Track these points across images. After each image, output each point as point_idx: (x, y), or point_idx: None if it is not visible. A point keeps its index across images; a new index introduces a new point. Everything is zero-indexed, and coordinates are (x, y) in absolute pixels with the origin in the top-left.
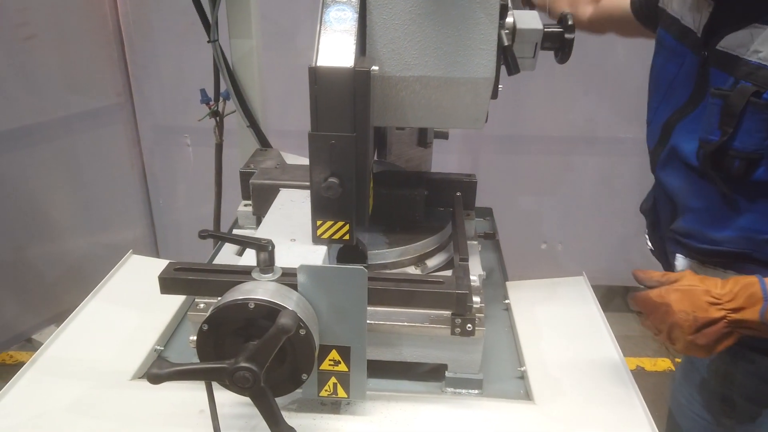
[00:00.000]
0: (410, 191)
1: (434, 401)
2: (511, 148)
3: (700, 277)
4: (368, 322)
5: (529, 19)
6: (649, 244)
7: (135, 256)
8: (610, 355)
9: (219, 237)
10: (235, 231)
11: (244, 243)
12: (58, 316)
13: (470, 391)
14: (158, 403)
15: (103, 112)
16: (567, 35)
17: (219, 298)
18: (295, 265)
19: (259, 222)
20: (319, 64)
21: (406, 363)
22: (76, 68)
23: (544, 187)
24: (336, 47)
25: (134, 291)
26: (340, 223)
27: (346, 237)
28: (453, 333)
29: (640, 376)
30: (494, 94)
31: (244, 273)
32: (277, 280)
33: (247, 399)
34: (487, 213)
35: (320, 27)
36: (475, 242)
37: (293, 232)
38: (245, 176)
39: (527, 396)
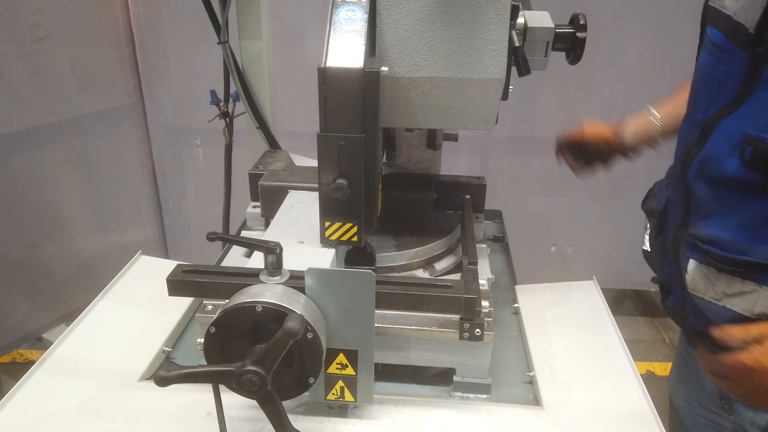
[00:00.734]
0: (419, 194)
1: (442, 406)
2: (521, 150)
3: None
4: (376, 325)
5: (540, 18)
6: (647, 245)
7: (144, 256)
8: (619, 360)
9: (227, 239)
10: (244, 232)
11: (252, 245)
12: (69, 315)
13: (478, 395)
14: (166, 404)
15: (114, 112)
16: (579, 35)
17: (227, 301)
18: (303, 268)
19: (267, 223)
20: (328, 64)
21: (414, 367)
22: (87, 69)
23: (553, 190)
24: (345, 48)
25: (143, 292)
26: (349, 225)
27: (355, 238)
28: (461, 338)
29: (650, 380)
30: (504, 95)
31: (252, 276)
32: (284, 283)
33: (255, 402)
34: (496, 216)
35: (330, 27)
36: (484, 245)
37: (302, 234)
38: (254, 178)
39: (536, 401)
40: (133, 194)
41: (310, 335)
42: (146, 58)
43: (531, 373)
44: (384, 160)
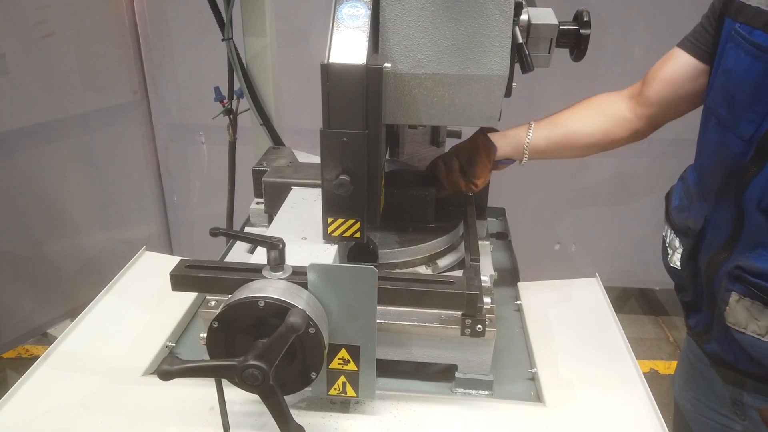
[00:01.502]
0: (420, 191)
1: (444, 402)
2: None
3: None
4: (379, 321)
5: (544, 15)
6: (677, 264)
7: (148, 252)
8: (622, 358)
9: (230, 235)
10: (247, 229)
11: (254, 241)
12: (74, 310)
13: (480, 392)
14: (169, 399)
15: (120, 109)
16: (582, 32)
17: (229, 296)
18: (306, 264)
19: (271, 220)
20: (331, 60)
21: (416, 363)
22: (93, 66)
23: (558, 187)
24: (348, 44)
25: (147, 287)
26: (351, 221)
27: (357, 235)
28: (463, 333)
29: (653, 379)
30: (508, 92)
31: (255, 271)
32: (287, 279)
33: (257, 397)
34: (499, 213)
35: (333, 24)
36: (487, 242)
37: (304, 230)
38: (258, 174)
39: (538, 398)
40: (137, 191)
41: (312, 330)
42: (151, 55)
43: (533, 370)
44: (387, 156)
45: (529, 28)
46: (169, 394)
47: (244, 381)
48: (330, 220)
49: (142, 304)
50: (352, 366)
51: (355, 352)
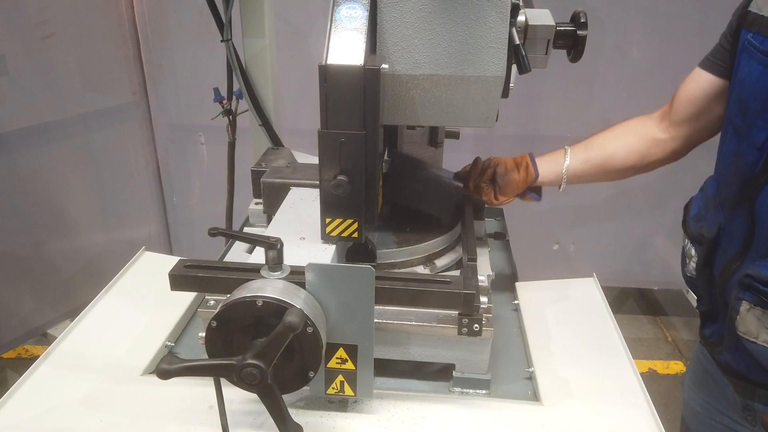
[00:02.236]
0: (448, 183)
1: (441, 401)
2: (525, 147)
3: None
4: (377, 320)
5: (541, 16)
6: (693, 272)
7: (147, 253)
8: (619, 357)
9: (228, 235)
10: (246, 229)
11: (253, 241)
12: (74, 311)
13: (478, 391)
14: (168, 398)
15: (119, 110)
16: (579, 32)
17: (228, 296)
18: (304, 264)
19: (270, 220)
20: (329, 62)
21: (414, 362)
22: (93, 67)
23: (556, 188)
24: (346, 45)
25: (146, 287)
26: (349, 221)
27: (355, 235)
28: (460, 333)
29: (652, 378)
30: (505, 93)
31: (253, 271)
32: (285, 278)
33: (255, 396)
34: (498, 213)
35: (331, 25)
36: (485, 243)
37: (303, 230)
38: (257, 175)
39: (535, 397)
40: (137, 191)
41: (309, 329)
42: (151, 56)
43: (530, 369)
44: (386, 157)
45: (526, 30)
46: (168, 394)
47: (242, 380)
48: (328, 220)
49: (141, 303)
50: (350, 365)
51: (353, 351)
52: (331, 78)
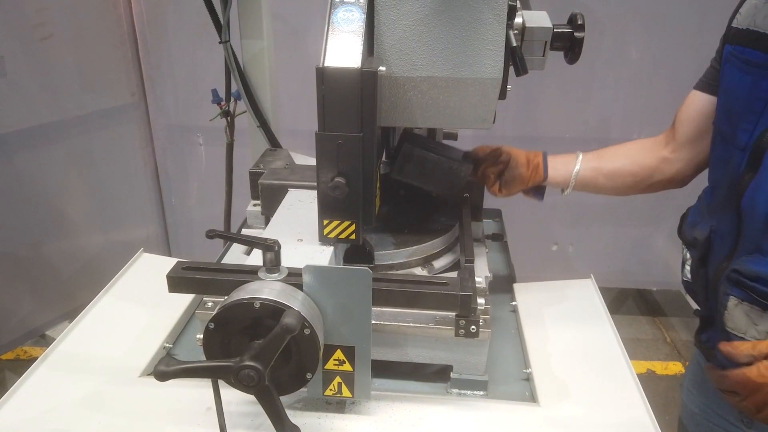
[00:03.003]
0: (458, 163)
1: (439, 402)
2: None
3: None
4: (374, 322)
5: (538, 18)
6: (688, 276)
7: (146, 254)
8: (616, 358)
9: (226, 237)
10: (244, 230)
11: (250, 243)
12: (72, 312)
13: (475, 392)
14: (166, 399)
15: (118, 111)
16: (576, 34)
17: (226, 298)
18: (302, 265)
19: (268, 221)
20: (326, 64)
21: (411, 364)
22: (91, 68)
23: (555, 188)
24: (343, 48)
25: (144, 289)
26: (347, 223)
27: (353, 236)
28: (457, 334)
29: (651, 380)
30: (502, 95)
31: (251, 273)
32: (283, 280)
33: (253, 397)
34: (496, 214)
35: (328, 27)
36: (482, 245)
37: (300, 232)
38: (254, 176)
39: (532, 398)
40: (136, 192)
41: (307, 331)
42: (149, 57)
43: (528, 370)
44: (384, 159)
45: (523, 32)
46: (166, 395)
47: (239, 382)
48: (326, 221)
49: (139, 305)
50: (347, 366)
51: (350, 352)
52: (328, 80)
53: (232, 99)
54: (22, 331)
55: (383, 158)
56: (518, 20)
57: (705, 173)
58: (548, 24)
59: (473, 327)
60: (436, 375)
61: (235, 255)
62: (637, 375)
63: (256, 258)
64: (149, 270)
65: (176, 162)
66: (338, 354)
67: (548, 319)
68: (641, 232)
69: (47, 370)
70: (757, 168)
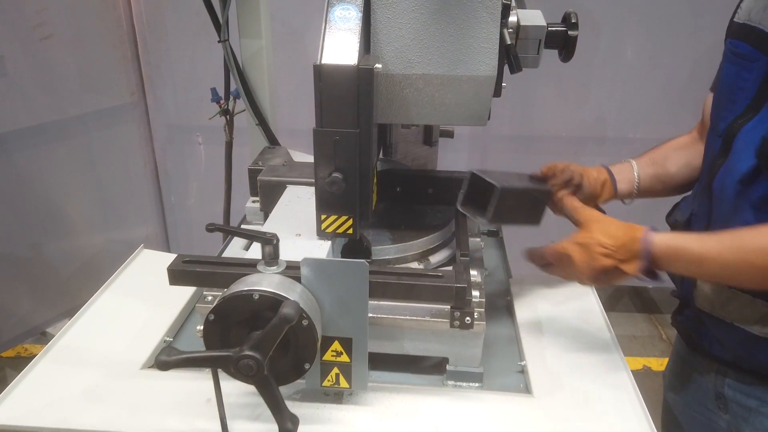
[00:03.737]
0: (538, 190)
1: (435, 393)
2: (520, 147)
3: (594, 228)
4: (371, 315)
5: (532, 17)
6: None
7: (146, 250)
8: (609, 352)
9: (225, 230)
10: (243, 227)
11: (249, 236)
12: (73, 310)
13: (471, 384)
14: (167, 392)
15: (117, 110)
16: (570, 33)
17: (225, 290)
18: (300, 259)
19: (266, 218)
20: (323, 62)
21: (408, 357)
22: (91, 68)
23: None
24: (340, 45)
25: (145, 284)
26: (344, 218)
27: (350, 231)
28: (452, 326)
29: (647, 376)
30: (497, 92)
31: (250, 266)
32: (281, 273)
33: (253, 388)
34: None
35: (325, 26)
36: (478, 239)
37: (299, 227)
38: (253, 173)
39: (527, 390)
40: (135, 191)
41: (305, 322)
42: (148, 57)
43: (522, 363)
44: (380, 156)
45: (518, 30)
46: (167, 387)
47: (239, 371)
48: (323, 216)
49: (140, 300)
50: (344, 358)
51: (347, 344)
52: (325, 77)
53: (231, 97)
54: (23, 328)
55: (380, 155)
56: (513, 19)
57: None
58: (542, 23)
59: (468, 318)
60: (432, 368)
61: (234, 251)
62: (633, 371)
63: (255, 253)
64: (149, 266)
65: (176, 161)
66: (336, 345)
67: (543, 312)
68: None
69: (49, 364)
70: (728, 153)
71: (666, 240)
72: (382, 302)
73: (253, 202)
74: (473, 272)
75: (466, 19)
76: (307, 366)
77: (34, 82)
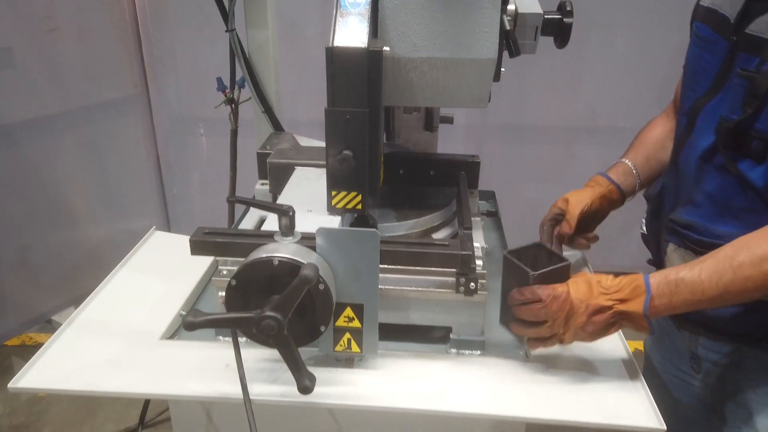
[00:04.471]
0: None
1: (440, 359)
2: (515, 137)
3: (590, 275)
4: (380, 287)
5: (530, 4)
6: (644, 229)
7: (158, 232)
8: None
9: (245, 202)
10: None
11: (267, 208)
12: (77, 298)
13: (473, 351)
14: (187, 359)
15: (121, 102)
16: (565, 20)
17: (244, 259)
18: (313, 231)
19: (275, 200)
20: (335, 44)
21: (414, 328)
22: (95, 60)
23: (546, 176)
24: (351, 29)
25: (159, 262)
26: (354, 194)
27: (359, 206)
28: (457, 291)
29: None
30: (497, 76)
31: (267, 236)
32: (298, 242)
33: (270, 354)
34: (489, 196)
35: (336, 11)
36: (478, 218)
37: (310, 204)
38: (262, 156)
39: (526, 357)
40: (138, 182)
41: (321, 286)
42: (152, 49)
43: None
44: (384, 140)
45: (516, 17)
46: (186, 355)
47: (261, 331)
48: (334, 193)
49: (155, 276)
50: (356, 323)
51: (359, 310)
52: (337, 59)
53: (237, 87)
54: (28, 316)
55: (384, 139)
56: (511, 6)
57: None
58: (539, 11)
59: (473, 284)
60: (437, 339)
61: (247, 227)
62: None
63: (269, 226)
64: (162, 246)
65: (178, 152)
66: (348, 311)
67: None
68: (629, 219)
69: (72, 334)
70: (692, 130)
71: (660, 277)
72: (389, 275)
73: (262, 184)
74: (475, 244)
75: (468, 5)
76: (322, 328)
77: (40, 74)
